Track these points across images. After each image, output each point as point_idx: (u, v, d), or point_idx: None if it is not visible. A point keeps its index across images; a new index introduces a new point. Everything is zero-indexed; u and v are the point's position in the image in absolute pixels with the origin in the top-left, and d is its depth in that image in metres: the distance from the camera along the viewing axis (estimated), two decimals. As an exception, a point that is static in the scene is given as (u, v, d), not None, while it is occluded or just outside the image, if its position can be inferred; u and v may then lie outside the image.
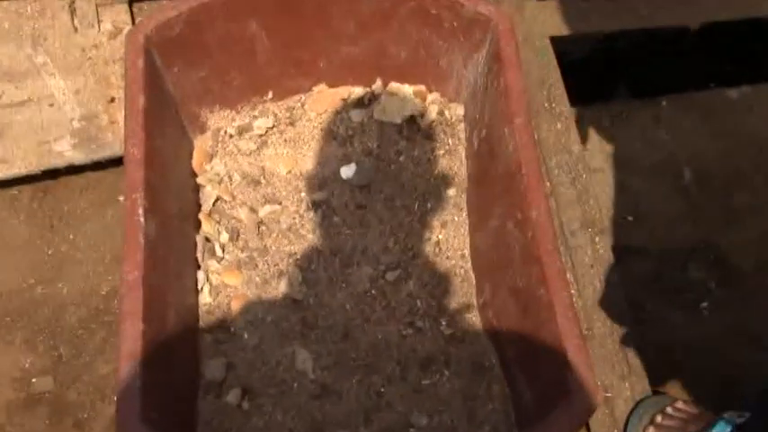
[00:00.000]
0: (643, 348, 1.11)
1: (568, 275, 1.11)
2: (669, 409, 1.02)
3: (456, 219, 1.12)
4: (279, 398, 0.99)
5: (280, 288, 1.05)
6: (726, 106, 1.42)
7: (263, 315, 1.03)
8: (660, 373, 1.15)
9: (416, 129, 1.16)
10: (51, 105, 1.20)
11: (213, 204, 1.09)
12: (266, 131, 1.15)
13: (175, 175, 1.02)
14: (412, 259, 1.08)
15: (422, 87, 1.17)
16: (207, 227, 1.07)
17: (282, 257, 1.07)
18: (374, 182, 1.12)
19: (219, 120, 1.14)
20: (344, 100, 1.17)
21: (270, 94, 1.15)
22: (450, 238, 1.11)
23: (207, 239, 1.07)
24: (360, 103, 1.17)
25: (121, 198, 1.22)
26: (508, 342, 0.99)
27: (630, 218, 1.28)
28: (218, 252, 1.06)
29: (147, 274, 0.82)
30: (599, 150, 1.29)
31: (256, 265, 1.06)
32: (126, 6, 1.28)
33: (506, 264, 0.96)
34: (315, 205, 1.11)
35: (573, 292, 1.12)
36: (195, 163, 1.10)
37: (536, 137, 1.14)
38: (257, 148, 1.14)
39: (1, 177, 1.16)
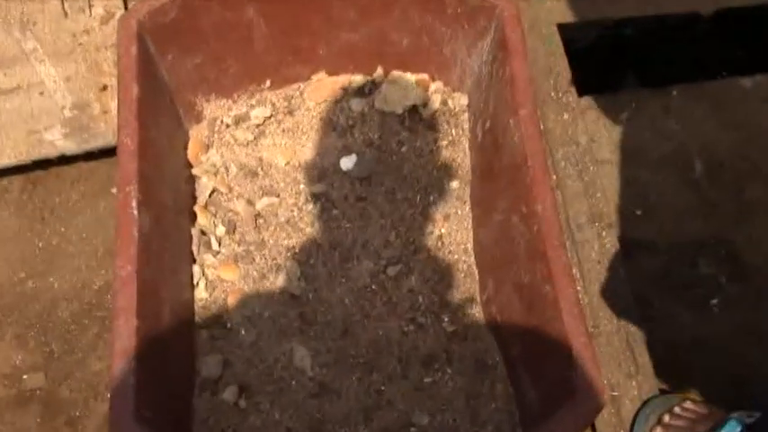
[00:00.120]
0: (651, 346, 1.12)
1: (574, 271, 1.12)
2: (677, 409, 1.03)
3: (459, 212, 1.12)
4: (276, 396, 0.99)
5: (277, 283, 1.05)
6: (739, 96, 1.42)
7: (260, 311, 1.04)
8: (668, 372, 1.16)
9: (419, 119, 1.16)
10: (41, 93, 1.20)
11: (209, 196, 1.09)
12: (264, 121, 1.15)
13: (170, 166, 1.03)
14: (413, 254, 1.09)
15: (424, 76, 1.17)
16: (202, 220, 1.07)
17: (280, 251, 1.08)
18: (375, 173, 1.12)
19: (216, 109, 1.14)
20: (344, 89, 1.17)
21: (267, 83, 1.15)
22: (452, 232, 1.11)
23: (203, 233, 1.07)
24: (360, 91, 1.17)
25: (114, 190, 1.22)
26: (512, 339, 0.99)
27: (639, 212, 1.28)
28: (215, 246, 1.07)
29: (140, 269, 0.83)
30: (607, 142, 1.29)
31: (253, 260, 1.07)
32: (118, -9, 1.28)
33: (511, 259, 0.96)
34: (314, 198, 1.11)
35: (579, 288, 1.13)
36: (190, 154, 1.11)
37: (542, 128, 1.14)
38: (254, 139, 1.14)
39: (-10, 168, 1.17)
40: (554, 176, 1.20)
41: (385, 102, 1.14)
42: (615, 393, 1.08)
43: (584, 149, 1.22)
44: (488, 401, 1.00)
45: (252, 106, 1.15)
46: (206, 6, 1.00)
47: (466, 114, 1.16)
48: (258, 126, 1.15)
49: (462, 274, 1.09)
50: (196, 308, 1.04)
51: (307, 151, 1.14)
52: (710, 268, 1.25)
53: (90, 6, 1.27)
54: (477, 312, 1.07)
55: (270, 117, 1.15)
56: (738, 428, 0.93)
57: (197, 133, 1.13)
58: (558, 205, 1.02)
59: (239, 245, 1.08)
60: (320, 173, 1.13)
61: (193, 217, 1.07)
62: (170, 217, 0.98)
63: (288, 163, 1.13)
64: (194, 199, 1.09)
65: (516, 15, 0.99)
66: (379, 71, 1.16)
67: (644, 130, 1.35)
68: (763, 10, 1.44)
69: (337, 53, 1.13)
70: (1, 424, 1.08)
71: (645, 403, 1.07)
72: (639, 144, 1.33)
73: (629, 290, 1.13)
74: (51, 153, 1.18)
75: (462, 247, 1.10)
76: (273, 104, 1.16)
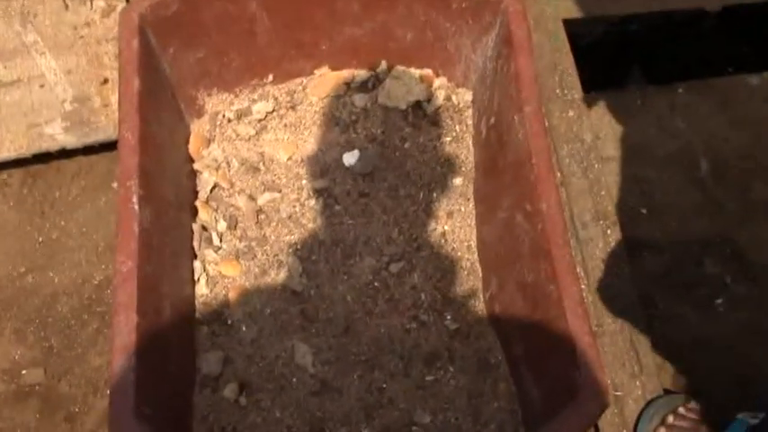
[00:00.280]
0: (655, 346, 1.12)
1: (578, 269, 1.11)
2: (681, 410, 1.03)
3: (462, 209, 1.12)
4: (277, 393, 0.99)
5: (279, 279, 1.05)
6: (745, 93, 1.41)
7: (261, 307, 1.04)
8: (672, 372, 1.16)
9: (422, 114, 1.15)
10: (42, 86, 1.20)
11: (210, 191, 1.09)
12: (266, 116, 1.15)
13: (171, 160, 1.02)
14: (416, 250, 1.09)
15: (428, 71, 1.16)
16: (204, 215, 1.07)
17: (282, 247, 1.07)
18: (378, 169, 1.12)
19: (217, 103, 1.14)
20: (347, 84, 1.17)
21: (270, 77, 1.15)
22: (456, 229, 1.11)
23: (204, 228, 1.07)
24: (363, 87, 1.17)
25: (115, 185, 1.22)
26: (515, 338, 0.99)
27: (644, 210, 1.28)
28: (216, 241, 1.07)
29: (141, 265, 0.83)
30: (612, 139, 1.29)
31: (255, 255, 1.07)
32: (120, -17, 1.28)
33: (515, 257, 0.96)
34: (316, 193, 1.11)
35: (583, 286, 1.13)
36: (192, 148, 1.10)
37: (547, 125, 1.14)
38: (256, 134, 1.14)
39: (-10, 161, 1.17)
40: (559, 174, 1.19)
41: (388, 97, 1.14)
42: (619, 393, 1.08)
43: (589, 147, 1.22)
44: (491, 400, 1.00)
45: (254, 101, 1.15)
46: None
47: (470, 110, 1.16)
48: (260, 121, 1.14)
49: (465, 272, 1.09)
50: (197, 304, 1.04)
51: (309, 146, 1.14)
52: (716, 268, 1.25)
53: (91, -1, 1.27)
54: (480, 310, 1.06)
55: (272, 112, 1.15)
56: (743, 430, 0.93)
57: (198, 128, 1.12)
58: (563, 203, 1.02)
59: (240, 240, 1.08)
60: (322, 168, 1.12)
61: (194, 212, 1.07)
62: (171, 212, 0.98)
63: (290, 158, 1.13)
64: (195, 194, 1.09)
65: (522, 11, 0.98)
66: (383, 66, 1.16)
67: (650, 127, 1.34)
68: (770, 7, 1.44)
69: (340, 48, 1.13)
70: (0, 419, 1.08)
71: (649, 403, 1.07)
72: (645, 141, 1.33)
73: (633, 289, 1.13)
74: (52, 147, 1.18)
75: (465, 244, 1.10)
76: (276, 99, 1.16)
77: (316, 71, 1.16)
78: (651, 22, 1.43)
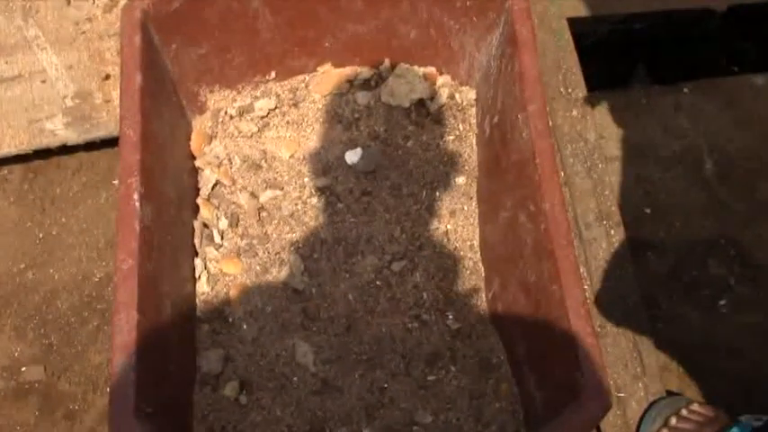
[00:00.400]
0: (658, 347, 1.11)
1: (582, 270, 1.11)
2: (684, 411, 1.02)
3: (465, 208, 1.12)
4: (278, 392, 0.99)
5: (280, 277, 1.05)
6: (751, 93, 1.41)
7: (262, 305, 1.04)
8: (675, 374, 1.16)
9: (425, 113, 1.15)
10: (43, 82, 1.20)
11: (212, 189, 1.09)
12: (268, 113, 1.15)
13: (173, 157, 1.02)
14: (418, 249, 1.09)
15: (432, 69, 1.16)
16: (205, 212, 1.07)
17: (284, 245, 1.07)
18: (380, 168, 1.12)
19: (219, 100, 1.14)
20: (350, 81, 1.16)
21: (272, 74, 1.15)
22: (458, 229, 1.11)
23: (205, 226, 1.07)
24: (366, 84, 1.16)
25: (116, 181, 1.22)
26: (517, 338, 0.99)
27: (648, 210, 1.27)
28: (217, 239, 1.07)
29: (142, 263, 0.82)
30: (616, 139, 1.29)
31: (256, 254, 1.07)
32: (122, -22, 1.28)
33: (517, 257, 0.96)
34: (318, 191, 1.11)
35: (586, 287, 1.13)
36: (194, 145, 1.10)
37: (551, 124, 1.13)
38: (259, 131, 1.14)
39: (-10, 157, 1.17)
40: (562, 173, 1.19)
41: (391, 95, 1.14)
42: (621, 394, 1.07)
43: (592, 146, 1.22)
44: (492, 401, 1.00)
45: (256, 98, 1.15)
46: (211, -4, 1.00)
47: (473, 109, 1.16)
48: (262, 118, 1.14)
49: (468, 271, 1.09)
50: (197, 302, 1.04)
51: (311, 144, 1.14)
52: (720, 269, 1.24)
53: (93, -6, 1.27)
54: (482, 310, 1.06)
55: (274, 109, 1.15)
56: (746, 432, 0.93)
57: (200, 124, 1.12)
58: (566, 203, 1.02)
59: (242, 238, 1.08)
60: (325, 166, 1.12)
61: (196, 209, 1.07)
62: (172, 209, 0.98)
63: (292, 156, 1.13)
64: (197, 191, 1.09)
65: (526, 9, 0.98)
66: (386, 64, 1.16)
67: (654, 127, 1.34)
68: (776, 7, 1.44)
69: (344, 45, 1.13)
70: (-1, 416, 1.09)
71: (651, 405, 1.07)
72: (649, 141, 1.33)
73: (636, 290, 1.13)
74: (52, 143, 1.18)
75: (468, 243, 1.10)
76: (278, 96, 1.16)
77: (318, 68, 1.16)
78: (656, 21, 1.43)
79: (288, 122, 1.15)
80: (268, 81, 1.15)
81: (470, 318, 1.06)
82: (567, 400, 0.80)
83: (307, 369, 1.01)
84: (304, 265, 1.06)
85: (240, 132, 1.13)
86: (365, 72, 1.16)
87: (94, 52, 1.23)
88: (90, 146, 1.21)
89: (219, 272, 1.05)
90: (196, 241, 1.05)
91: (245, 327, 1.03)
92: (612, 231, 1.16)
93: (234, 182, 1.10)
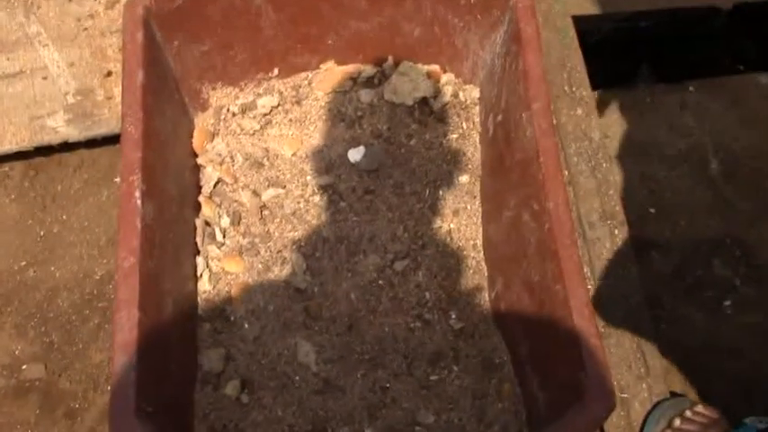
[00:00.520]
0: (662, 348, 1.11)
1: (585, 270, 1.11)
2: (688, 413, 1.02)
3: (469, 207, 1.11)
4: (279, 392, 0.99)
5: (282, 276, 1.05)
6: (756, 92, 1.41)
7: (264, 304, 1.04)
8: (679, 375, 1.16)
9: (429, 111, 1.15)
10: (45, 78, 1.20)
11: (214, 187, 1.09)
12: (271, 110, 1.15)
13: (175, 155, 1.02)
14: (421, 248, 1.08)
15: (436, 67, 1.16)
16: (207, 210, 1.07)
17: (286, 244, 1.07)
18: (383, 166, 1.12)
19: (222, 97, 1.14)
20: (353, 79, 1.16)
21: (275, 71, 1.15)
22: (462, 228, 1.11)
23: (207, 224, 1.07)
24: (369, 82, 1.16)
25: (117, 179, 1.22)
26: (520, 338, 0.99)
27: (652, 210, 1.27)
28: (219, 237, 1.07)
29: (143, 261, 0.82)
30: (621, 138, 1.29)
31: (258, 252, 1.07)
32: (125, -25, 1.28)
33: (521, 256, 0.96)
34: (320, 190, 1.11)
35: (590, 287, 1.12)
36: (196, 142, 1.10)
37: (555, 122, 1.13)
38: (261, 128, 1.14)
39: (-9, 154, 1.17)
40: (566, 173, 1.19)
41: (394, 93, 1.14)
42: (625, 395, 1.07)
43: (597, 145, 1.21)
44: (495, 401, 1.00)
45: (259, 95, 1.15)
46: (214, -8, 1.00)
47: (477, 107, 1.16)
48: (265, 115, 1.14)
49: (471, 271, 1.08)
50: (199, 300, 1.04)
51: (314, 142, 1.14)
52: (725, 269, 1.24)
53: (95, -10, 1.27)
54: (485, 310, 1.06)
55: (277, 106, 1.15)
56: (750, 434, 0.93)
57: (202, 122, 1.12)
58: (570, 202, 1.02)
59: (244, 237, 1.07)
60: (327, 164, 1.12)
61: (198, 207, 1.07)
62: (174, 207, 0.98)
63: (294, 154, 1.13)
64: (199, 189, 1.09)
65: (531, 7, 0.98)
66: (390, 61, 1.16)
67: (659, 126, 1.34)
68: (783, 5, 1.43)
69: (347, 42, 1.13)
70: (0, 414, 1.09)
71: (655, 406, 1.07)
72: (654, 140, 1.32)
73: (640, 290, 1.13)
74: (54, 140, 1.18)
75: (471, 242, 1.10)
76: (281, 93, 1.16)
77: (321, 66, 1.16)
78: (661, 19, 1.43)
79: (290, 120, 1.15)
80: (271, 78, 1.15)
81: (473, 317, 1.06)
82: (571, 401, 0.80)
83: (308, 368, 1.01)
84: (306, 263, 1.06)
85: (242, 130, 1.13)
86: (368, 70, 1.16)
87: (96, 49, 1.23)
88: (91, 143, 1.21)
89: (221, 270, 1.05)
90: (198, 239, 1.05)
91: (246, 326, 1.03)
92: (616, 231, 1.16)
93: (236, 180, 1.10)
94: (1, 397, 1.10)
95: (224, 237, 1.07)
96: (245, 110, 1.14)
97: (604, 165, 1.20)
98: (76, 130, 1.18)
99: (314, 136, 1.14)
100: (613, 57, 1.45)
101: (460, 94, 1.16)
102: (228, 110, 1.14)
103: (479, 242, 1.10)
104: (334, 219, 1.09)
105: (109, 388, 0.77)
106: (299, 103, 1.16)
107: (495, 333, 1.04)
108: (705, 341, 1.19)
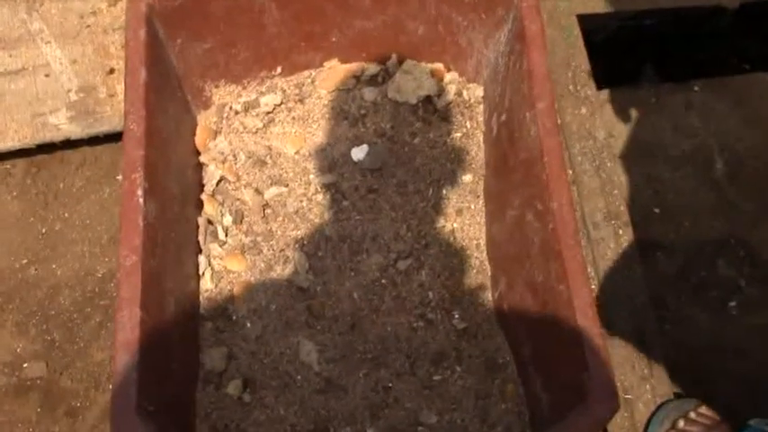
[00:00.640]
0: (666, 348, 1.11)
1: (589, 270, 1.11)
2: (692, 414, 1.02)
3: (472, 207, 1.11)
4: (281, 391, 0.99)
5: (285, 275, 1.05)
6: (762, 92, 1.40)
7: (266, 303, 1.04)
8: (683, 376, 1.15)
9: (433, 110, 1.15)
10: (47, 75, 1.20)
11: (216, 185, 1.09)
12: (274, 108, 1.15)
13: (177, 153, 1.02)
14: (425, 248, 1.08)
15: (439, 66, 1.16)
16: (209, 209, 1.07)
17: (288, 243, 1.07)
18: (386, 165, 1.12)
19: (225, 95, 1.14)
20: (357, 77, 1.16)
21: (278, 69, 1.15)
22: (465, 227, 1.10)
23: (209, 222, 1.07)
24: (373, 80, 1.16)
25: (119, 177, 1.22)
26: (524, 339, 0.99)
27: (657, 210, 1.27)
28: (221, 235, 1.07)
29: (145, 259, 0.82)
30: (625, 137, 1.28)
31: (261, 251, 1.07)
32: (127, -28, 1.28)
33: (524, 256, 0.96)
34: (323, 188, 1.11)
35: (593, 287, 1.12)
36: (198, 140, 1.10)
37: (559, 122, 1.13)
38: (264, 126, 1.14)
39: (-7, 151, 1.17)
40: (570, 172, 1.19)
41: (398, 91, 1.14)
42: (629, 396, 1.07)
43: (601, 145, 1.21)
44: (498, 402, 1.00)
45: (262, 93, 1.15)
46: (217, -10, 1.00)
47: (481, 106, 1.16)
48: (268, 113, 1.14)
49: (474, 270, 1.08)
50: (201, 299, 1.04)
51: (317, 140, 1.14)
52: (729, 269, 1.24)
53: (98, -13, 1.27)
54: (488, 310, 1.06)
55: (280, 104, 1.15)
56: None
57: (205, 120, 1.12)
58: (574, 202, 1.01)
59: (246, 235, 1.07)
60: (330, 163, 1.12)
61: (200, 206, 1.07)
62: (176, 205, 0.98)
63: (297, 152, 1.13)
64: (201, 187, 1.09)
65: (535, 6, 0.98)
66: (393, 60, 1.16)
67: (664, 126, 1.34)
68: (790, 4, 1.43)
69: (350, 40, 1.13)
70: (0, 413, 1.09)
71: (659, 407, 1.07)
72: (659, 140, 1.32)
73: (645, 290, 1.13)
74: (56, 137, 1.18)
75: (475, 242, 1.10)
76: (284, 91, 1.16)
77: (325, 64, 1.16)
78: (667, 17, 1.42)
79: (293, 118, 1.15)
80: (274, 76, 1.15)
81: (476, 317, 1.05)
82: (574, 402, 0.80)
83: (311, 368, 1.01)
84: (309, 262, 1.06)
85: (245, 128, 1.13)
86: (372, 68, 1.16)
87: (99, 46, 1.23)
88: (94, 140, 1.21)
89: (223, 269, 1.05)
90: (200, 238, 1.05)
91: (248, 325, 1.03)
92: (621, 231, 1.16)
93: (238, 178, 1.10)
94: (2, 395, 1.10)
95: (226, 235, 1.07)
96: (247, 108, 1.14)
97: (609, 164, 1.20)
98: (79, 127, 1.18)
99: (317, 134, 1.14)
100: (618, 55, 1.45)
101: (464, 92, 1.16)
102: (231, 108, 1.14)
103: (483, 242, 1.10)
104: (337, 217, 1.09)
105: (110, 387, 0.77)
106: (302, 101, 1.16)
107: (499, 333, 1.04)
108: (710, 342, 1.19)
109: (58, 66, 1.21)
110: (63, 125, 1.17)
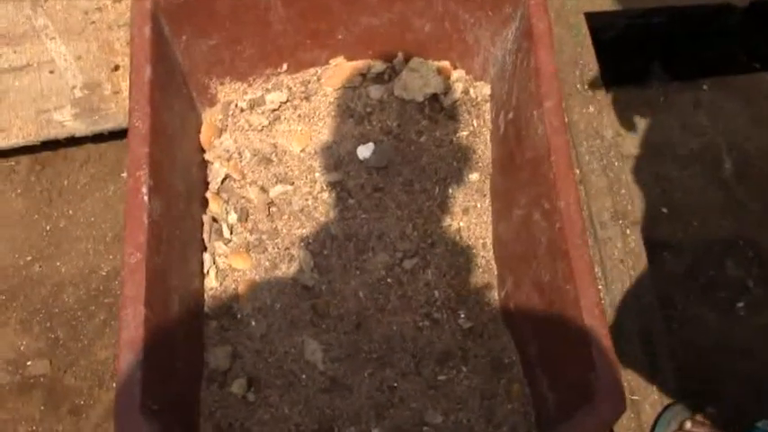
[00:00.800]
0: (673, 349, 1.11)
1: (596, 270, 1.11)
2: (699, 416, 1.02)
3: (479, 205, 1.11)
4: (286, 390, 0.99)
5: (290, 273, 1.05)
6: (770, 91, 1.40)
7: (271, 302, 1.04)
8: (691, 376, 1.15)
9: (439, 108, 1.15)
10: (52, 72, 1.20)
11: (222, 183, 1.09)
12: (279, 106, 1.15)
13: (182, 150, 1.02)
14: (431, 247, 1.08)
15: (446, 63, 1.16)
16: (214, 206, 1.07)
17: (293, 241, 1.07)
18: (393, 163, 1.12)
19: (230, 92, 1.14)
20: (363, 75, 1.16)
21: (284, 67, 1.15)
22: (471, 226, 1.10)
23: (214, 220, 1.07)
24: (379, 78, 1.16)
25: (124, 174, 1.22)
26: (530, 338, 0.99)
27: (665, 210, 1.27)
28: (226, 234, 1.07)
29: (150, 257, 0.82)
30: (633, 136, 1.28)
31: (266, 249, 1.07)
32: (133, -32, 1.28)
33: (531, 256, 0.96)
34: (329, 186, 1.11)
35: (601, 287, 1.12)
36: (203, 138, 1.10)
37: (566, 120, 1.13)
38: (269, 124, 1.14)
39: (-2, 148, 1.17)
40: (578, 171, 1.19)
41: (404, 89, 1.14)
42: (635, 397, 1.07)
43: (609, 144, 1.21)
44: (504, 402, 1.00)
45: (267, 90, 1.15)
46: (222, -13, 1.00)
47: (488, 104, 1.15)
48: (273, 111, 1.14)
49: (480, 270, 1.08)
50: (206, 297, 1.04)
51: (323, 138, 1.14)
52: (737, 270, 1.24)
53: (103, -17, 1.27)
54: (494, 309, 1.06)
55: (286, 102, 1.15)
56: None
57: (210, 117, 1.12)
58: (581, 201, 1.01)
59: (251, 233, 1.08)
60: (336, 161, 1.12)
61: (205, 204, 1.07)
62: (181, 203, 0.98)
63: (303, 150, 1.13)
64: (206, 185, 1.09)
65: (543, 3, 0.97)
66: (400, 57, 1.16)
67: (672, 124, 1.33)
68: (799, 2, 1.43)
69: (357, 38, 1.13)
70: (4, 411, 1.09)
71: (666, 408, 1.06)
72: (667, 139, 1.32)
73: (652, 290, 1.13)
74: (60, 134, 1.18)
75: (481, 241, 1.10)
76: (290, 89, 1.16)
77: (331, 61, 1.16)
78: (675, 16, 1.42)
79: (299, 116, 1.15)
80: (279, 74, 1.15)
81: (482, 317, 1.05)
82: (580, 403, 0.79)
83: (315, 367, 1.01)
84: (314, 261, 1.06)
85: (251, 125, 1.13)
86: (378, 65, 1.16)
87: (104, 43, 1.23)
88: (98, 138, 1.22)
89: (228, 267, 1.05)
90: (205, 236, 1.05)
91: (253, 323, 1.03)
92: (628, 230, 1.16)
93: (244, 176, 1.10)
94: (5, 393, 1.10)
95: (231, 233, 1.07)
96: (253, 105, 1.14)
97: (616, 164, 1.20)
98: (83, 124, 1.18)
99: (323, 132, 1.14)
100: (627, 54, 1.44)
101: (471, 90, 1.16)
102: (237, 105, 1.14)
103: (489, 241, 1.10)
104: (343, 216, 1.09)
105: (114, 385, 0.77)
106: (307, 98, 1.16)
107: (505, 333, 1.04)
108: (717, 342, 1.19)
109: (62, 62, 1.21)
110: (67, 122, 1.18)
